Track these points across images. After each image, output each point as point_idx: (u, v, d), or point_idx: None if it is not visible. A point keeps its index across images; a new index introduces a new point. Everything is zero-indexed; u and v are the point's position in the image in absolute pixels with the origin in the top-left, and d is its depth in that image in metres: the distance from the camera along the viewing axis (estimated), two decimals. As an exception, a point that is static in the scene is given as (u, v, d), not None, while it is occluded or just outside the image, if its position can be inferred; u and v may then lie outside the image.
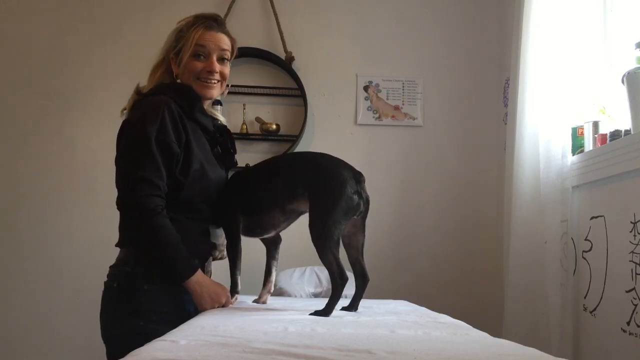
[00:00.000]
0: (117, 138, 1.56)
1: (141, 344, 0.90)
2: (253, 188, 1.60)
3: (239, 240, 1.61)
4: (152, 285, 1.49)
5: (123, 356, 0.82)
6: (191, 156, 1.52)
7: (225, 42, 1.62)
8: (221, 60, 1.62)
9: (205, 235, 1.65)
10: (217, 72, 1.61)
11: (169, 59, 1.62)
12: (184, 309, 1.52)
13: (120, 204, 1.48)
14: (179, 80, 1.63)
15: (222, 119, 1.79)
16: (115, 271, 1.54)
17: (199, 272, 1.50)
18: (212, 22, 1.61)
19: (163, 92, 1.56)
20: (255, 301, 1.66)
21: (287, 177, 1.53)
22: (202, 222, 1.61)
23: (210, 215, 1.63)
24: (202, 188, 1.56)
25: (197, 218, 1.59)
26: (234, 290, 1.59)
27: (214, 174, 1.60)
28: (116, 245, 1.57)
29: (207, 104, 1.70)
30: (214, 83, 1.62)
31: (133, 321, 1.47)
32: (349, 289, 1.45)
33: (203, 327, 1.10)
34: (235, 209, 1.59)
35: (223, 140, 1.72)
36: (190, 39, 1.57)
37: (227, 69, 1.65)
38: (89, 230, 2.73)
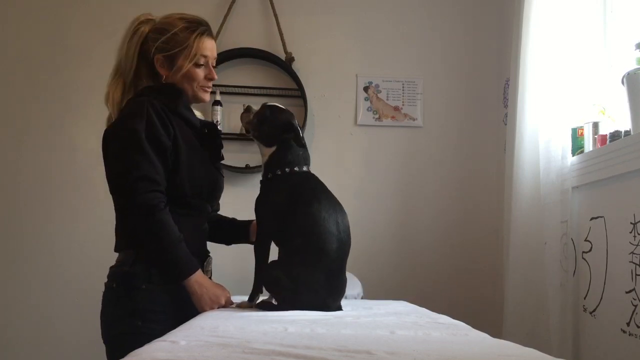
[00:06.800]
0: (103, 148, 1.56)
1: (140, 344, 0.90)
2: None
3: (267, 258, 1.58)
4: (150, 285, 1.49)
5: (122, 356, 0.82)
6: (179, 150, 1.53)
7: (216, 49, 1.68)
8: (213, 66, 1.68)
9: (202, 232, 1.65)
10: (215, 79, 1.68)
11: (151, 58, 1.60)
12: (183, 309, 1.52)
13: (121, 204, 1.49)
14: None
15: (199, 115, 1.78)
16: (114, 272, 1.54)
17: (199, 272, 1.50)
18: (207, 27, 1.64)
19: (144, 95, 1.56)
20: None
21: None
22: (196, 218, 1.61)
23: (205, 211, 1.64)
24: (192, 181, 1.56)
25: (190, 214, 1.58)
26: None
27: (203, 167, 1.61)
28: (115, 250, 1.57)
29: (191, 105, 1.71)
30: (210, 88, 1.69)
31: (131, 321, 1.47)
32: (350, 290, 1.45)
33: (203, 327, 1.10)
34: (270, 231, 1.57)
35: (211, 137, 1.72)
36: (192, 47, 1.58)
37: None
38: (90, 230, 2.72)
